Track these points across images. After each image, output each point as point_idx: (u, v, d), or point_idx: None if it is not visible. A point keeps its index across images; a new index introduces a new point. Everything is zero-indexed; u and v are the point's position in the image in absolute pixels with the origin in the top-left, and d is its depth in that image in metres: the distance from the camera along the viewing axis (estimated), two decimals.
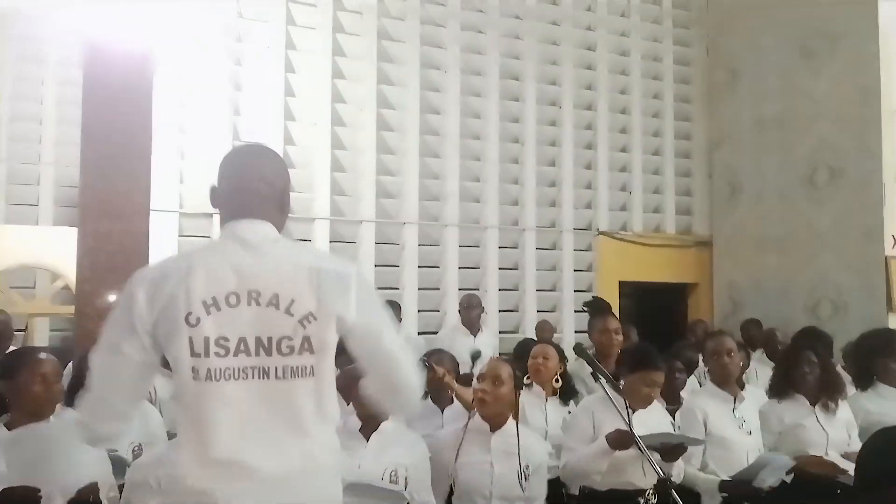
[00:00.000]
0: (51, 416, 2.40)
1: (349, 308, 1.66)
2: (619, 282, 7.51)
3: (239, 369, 1.59)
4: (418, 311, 6.77)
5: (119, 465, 2.51)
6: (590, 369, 2.84)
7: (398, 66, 6.93)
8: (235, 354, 1.60)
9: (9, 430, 2.35)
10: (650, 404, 3.03)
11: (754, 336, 6.05)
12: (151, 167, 4.84)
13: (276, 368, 1.61)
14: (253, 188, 1.70)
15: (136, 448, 2.83)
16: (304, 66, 6.60)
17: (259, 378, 1.60)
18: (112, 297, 4.26)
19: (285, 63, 6.51)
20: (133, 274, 1.67)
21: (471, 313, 5.94)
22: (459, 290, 6.85)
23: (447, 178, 7.04)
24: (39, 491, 2.14)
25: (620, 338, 3.97)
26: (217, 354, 1.59)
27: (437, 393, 3.60)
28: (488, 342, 5.94)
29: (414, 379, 1.74)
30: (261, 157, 1.77)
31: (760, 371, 5.38)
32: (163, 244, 5.43)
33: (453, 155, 7.05)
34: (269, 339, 1.61)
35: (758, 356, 5.74)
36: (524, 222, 7.31)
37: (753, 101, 7.60)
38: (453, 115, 7.08)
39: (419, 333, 6.44)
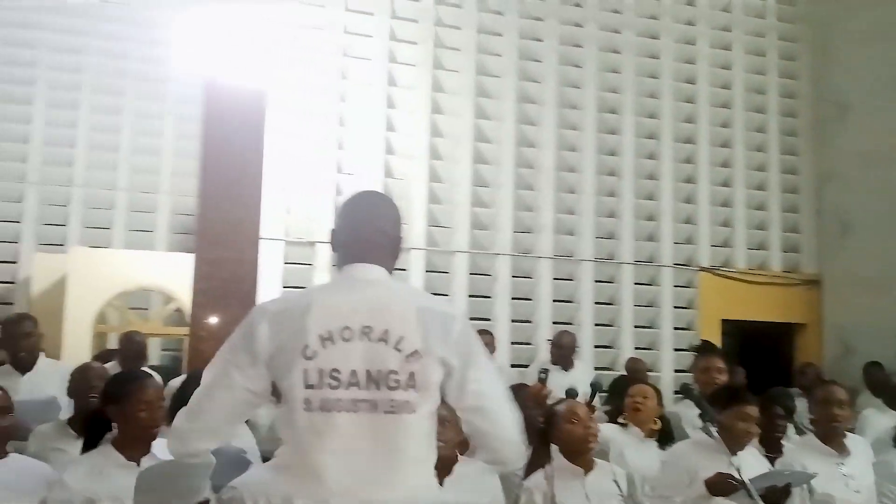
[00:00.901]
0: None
1: (451, 352, 1.72)
2: (722, 320, 7.24)
3: (350, 401, 1.65)
4: (511, 343, 6.74)
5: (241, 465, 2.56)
6: (697, 411, 2.74)
7: (495, 100, 7.03)
8: (347, 387, 1.65)
9: (115, 448, 2.40)
10: (748, 444, 2.86)
11: (877, 380, 5.67)
12: (262, 199, 5.10)
13: (383, 402, 1.66)
14: (371, 237, 1.80)
15: None
16: (404, 101, 6.80)
17: (367, 412, 1.65)
18: (222, 321, 4.49)
19: (386, 99, 6.73)
20: (255, 306, 1.75)
21: (562, 351, 5.79)
22: (553, 323, 6.78)
23: (541, 211, 7.03)
24: None
25: (723, 377, 3.81)
26: (330, 386, 1.65)
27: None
28: (582, 379, 5.80)
29: (513, 434, 1.79)
30: (380, 206, 1.86)
31: (874, 419, 5.04)
32: (270, 271, 5.67)
33: (548, 188, 7.05)
34: (378, 373, 1.66)
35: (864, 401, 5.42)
36: (621, 256, 7.18)
37: (863, 135, 7.24)
38: (549, 148, 7.10)
39: (511, 366, 6.40)
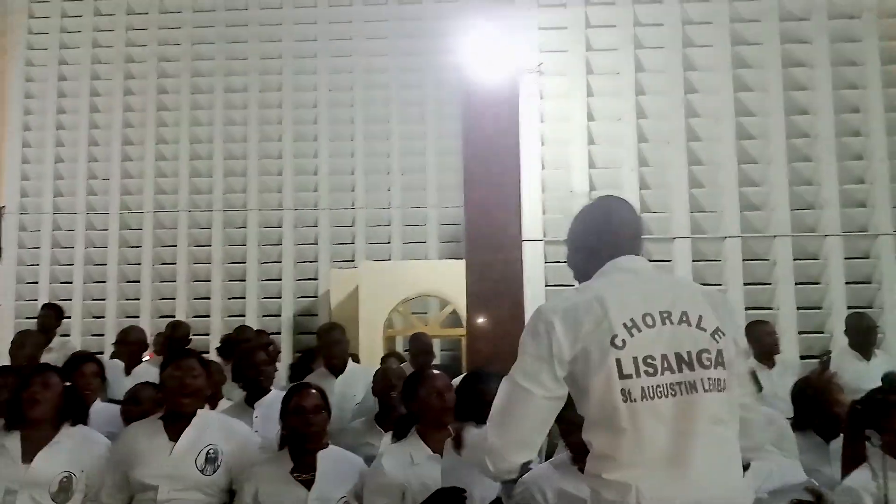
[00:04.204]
0: None
1: (736, 333, 1.75)
2: None
3: (667, 385, 1.66)
4: (797, 333, 6.13)
5: None
6: None
7: (757, 70, 6.49)
8: (662, 372, 1.66)
9: (420, 438, 2.65)
10: None
11: None
12: (521, 202, 5.27)
13: (701, 381, 1.67)
14: (628, 232, 1.91)
15: None
16: (655, 86, 6.55)
17: (687, 392, 1.66)
18: (494, 320, 4.72)
19: (635, 86, 6.54)
20: (539, 310, 1.76)
21: (860, 337, 5.07)
22: (847, 308, 6.04)
23: (823, 184, 6.32)
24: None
25: None
26: (647, 373, 1.66)
27: (827, 426, 3.15)
28: (884, 370, 5.07)
29: (763, 421, 1.84)
30: (626, 206, 1.98)
31: None
32: (532, 271, 5.82)
33: (829, 157, 6.32)
34: (689, 354, 1.68)
35: None
36: None
37: None
38: (826, 112, 6.36)
39: (801, 357, 5.82)
